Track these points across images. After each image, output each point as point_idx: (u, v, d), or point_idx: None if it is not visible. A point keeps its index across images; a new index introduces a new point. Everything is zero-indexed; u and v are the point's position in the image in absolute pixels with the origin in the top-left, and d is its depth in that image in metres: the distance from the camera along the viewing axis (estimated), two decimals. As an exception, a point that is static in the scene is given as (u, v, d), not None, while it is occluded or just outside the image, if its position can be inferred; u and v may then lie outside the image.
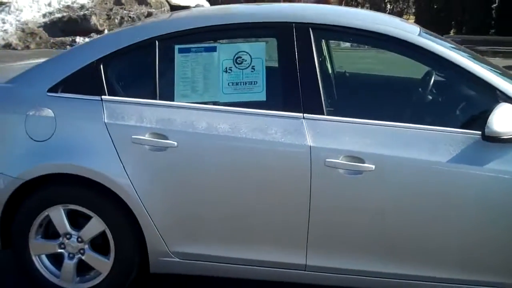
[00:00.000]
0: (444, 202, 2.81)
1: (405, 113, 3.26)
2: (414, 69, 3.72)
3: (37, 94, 3.11)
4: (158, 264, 3.12)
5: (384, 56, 3.33)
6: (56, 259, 3.21)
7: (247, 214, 2.99)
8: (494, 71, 3.03)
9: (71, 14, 17.99)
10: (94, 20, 17.66)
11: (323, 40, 3.54)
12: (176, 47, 3.07)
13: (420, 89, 3.42)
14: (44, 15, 18.33)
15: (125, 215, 3.04)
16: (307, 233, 2.93)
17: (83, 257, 3.14)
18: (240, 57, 3.03)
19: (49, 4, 18.97)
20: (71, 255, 3.15)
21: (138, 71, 3.22)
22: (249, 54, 3.02)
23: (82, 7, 18.79)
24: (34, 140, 3.04)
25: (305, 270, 3.01)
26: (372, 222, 2.88)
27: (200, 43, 3.09)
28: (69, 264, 3.15)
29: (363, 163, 2.82)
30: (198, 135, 2.95)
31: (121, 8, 18.90)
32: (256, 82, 3.00)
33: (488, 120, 2.66)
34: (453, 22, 22.64)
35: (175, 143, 2.94)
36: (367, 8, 23.85)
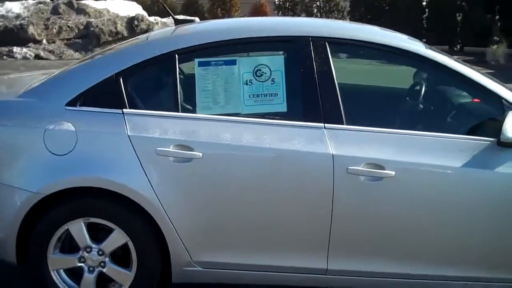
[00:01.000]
0: (461, 205, 3.00)
1: (418, 121, 3.45)
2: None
3: (55, 108, 3.08)
4: (181, 274, 3.15)
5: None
6: (73, 273, 3.19)
7: (271, 222, 3.08)
8: (495, 81, 3.26)
9: (6, 24, 17.42)
10: (31, 30, 17.17)
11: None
12: (196, 60, 3.13)
13: (424, 99, 3.61)
14: (-23, 25, 17.70)
15: (149, 227, 3.06)
16: (329, 238, 3.05)
17: (104, 270, 3.13)
18: (260, 70, 3.12)
19: (-18, 14, 18.33)
20: (91, 268, 3.13)
21: (158, 85, 3.24)
22: (268, 67, 3.12)
23: (17, 16, 18.22)
24: (55, 154, 3.01)
25: (326, 274, 3.13)
26: (392, 226, 3.03)
27: (219, 57, 3.16)
28: (89, 278, 3.13)
29: (384, 169, 2.97)
30: (223, 146, 3.01)
31: (59, 18, 18.47)
32: (277, 94, 3.10)
33: (502, 127, 2.88)
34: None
35: (200, 154, 2.99)
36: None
